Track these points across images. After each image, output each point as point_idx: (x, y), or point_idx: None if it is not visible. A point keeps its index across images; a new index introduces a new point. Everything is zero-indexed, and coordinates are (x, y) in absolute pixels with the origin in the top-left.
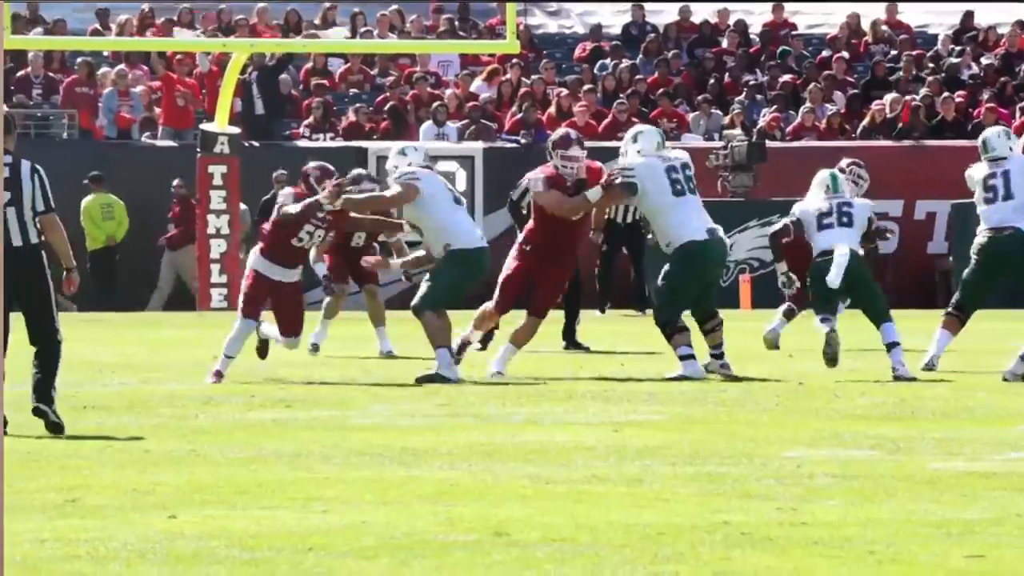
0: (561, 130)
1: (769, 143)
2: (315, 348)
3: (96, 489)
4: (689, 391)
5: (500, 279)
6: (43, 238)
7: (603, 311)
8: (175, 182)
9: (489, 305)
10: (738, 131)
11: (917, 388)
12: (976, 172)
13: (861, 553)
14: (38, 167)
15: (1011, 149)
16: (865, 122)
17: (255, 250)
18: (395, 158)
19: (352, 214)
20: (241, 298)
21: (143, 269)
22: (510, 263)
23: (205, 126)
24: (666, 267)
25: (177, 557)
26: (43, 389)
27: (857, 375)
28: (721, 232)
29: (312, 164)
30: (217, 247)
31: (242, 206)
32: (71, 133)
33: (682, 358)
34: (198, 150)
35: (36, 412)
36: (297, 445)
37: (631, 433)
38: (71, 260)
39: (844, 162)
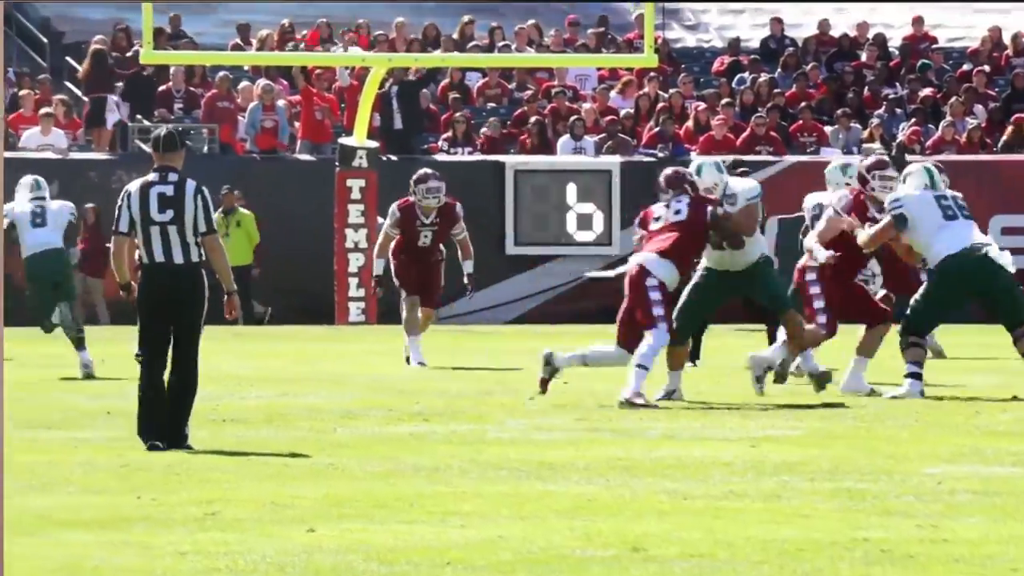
0: (874, 156)
1: (908, 157)
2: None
3: (236, 502)
4: (827, 405)
5: (818, 305)
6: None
7: None
8: None
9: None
10: (877, 145)
11: None
12: None
13: (1003, 571)
14: (203, 188)
15: None
16: (1006, 136)
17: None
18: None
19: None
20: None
21: (274, 284)
22: (817, 289)
23: (344, 140)
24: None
25: (316, 570)
26: (176, 428)
27: (998, 391)
28: (988, 247)
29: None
30: (355, 261)
31: (379, 220)
32: (212, 148)
33: (908, 375)
34: (337, 164)
35: (152, 448)
36: (435, 459)
37: (769, 448)
38: (232, 283)
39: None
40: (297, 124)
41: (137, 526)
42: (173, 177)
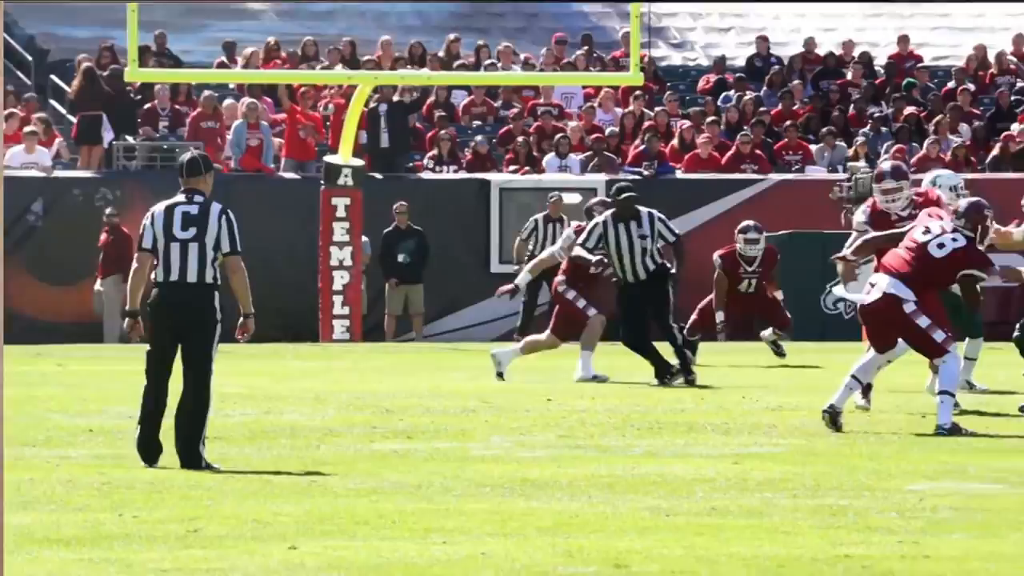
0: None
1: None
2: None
3: (218, 519)
4: (810, 423)
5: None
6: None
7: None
8: None
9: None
10: (862, 163)
11: None
12: None
13: None
14: (228, 211)
15: None
16: (995, 152)
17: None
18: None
19: None
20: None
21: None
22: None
23: (329, 158)
24: None
25: None
26: (192, 448)
27: (981, 407)
28: None
29: None
30: (340, 279)
31: (363, 238)
32: None
33: None
34: (322, 182)
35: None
36: (418, 476)
37: (752, 465)
38: (249, 306)
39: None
40: (282, 142)
41: (118, 543)
42: (199, 199)
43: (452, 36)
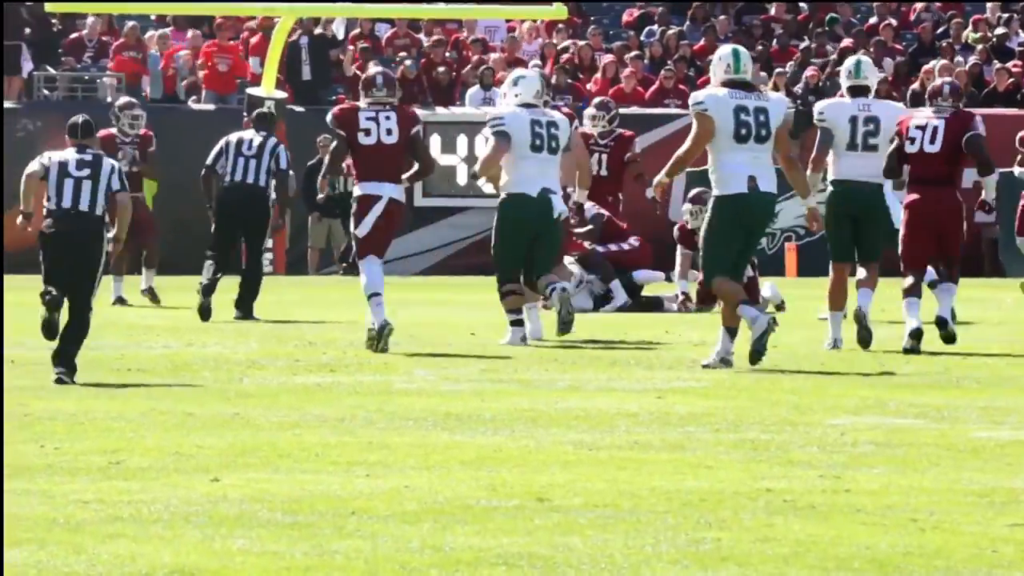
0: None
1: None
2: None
3: (140, 452)
4: (733, 358)
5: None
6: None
7: None
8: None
9: None
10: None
11: (962, 357)
12: None
13: (904, 521)
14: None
15: None
16: (915, 86)
17: None
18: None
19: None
20: None
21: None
22: None
23: (251, 90)
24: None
25: (220, 520)
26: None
27: (900, 343)
28: (551, 193)
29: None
30: None
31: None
32: (117, 97)
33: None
34: (244, 114)
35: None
36: (341, 410)
37: (674, 400)
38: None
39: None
40: (202, 74)
41: (40, 475)
42: (91, 150)
43: None
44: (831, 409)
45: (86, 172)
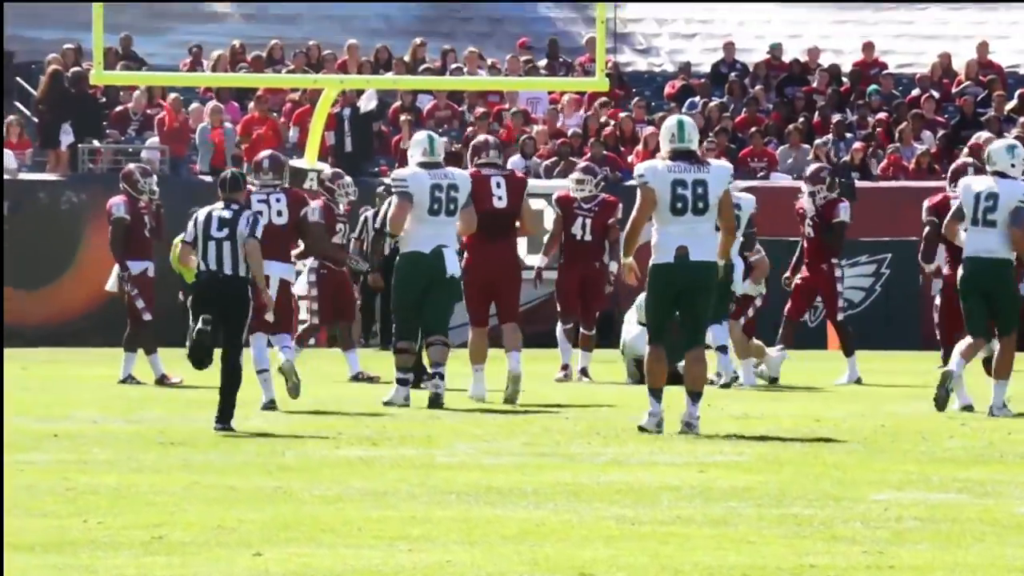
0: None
1: (859, 183)
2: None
3: (182, 526)
4: (775, 431)
5: None
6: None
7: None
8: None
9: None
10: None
11: (1006, 431)
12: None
13: None
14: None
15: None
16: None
17: None
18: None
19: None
20: None
21: None
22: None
23: (294, 162)
24: None
25: None
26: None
27: (943, 418)
28: (444, 248)
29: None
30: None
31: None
32: (163, 169)
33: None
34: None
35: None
36: (383, 483)
37: (717, 474)
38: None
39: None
40: (246, 146)
41: (82, 550)
42: (235, 206)
43: (418, 40)
44: (874, 484)
45: (225, 233)
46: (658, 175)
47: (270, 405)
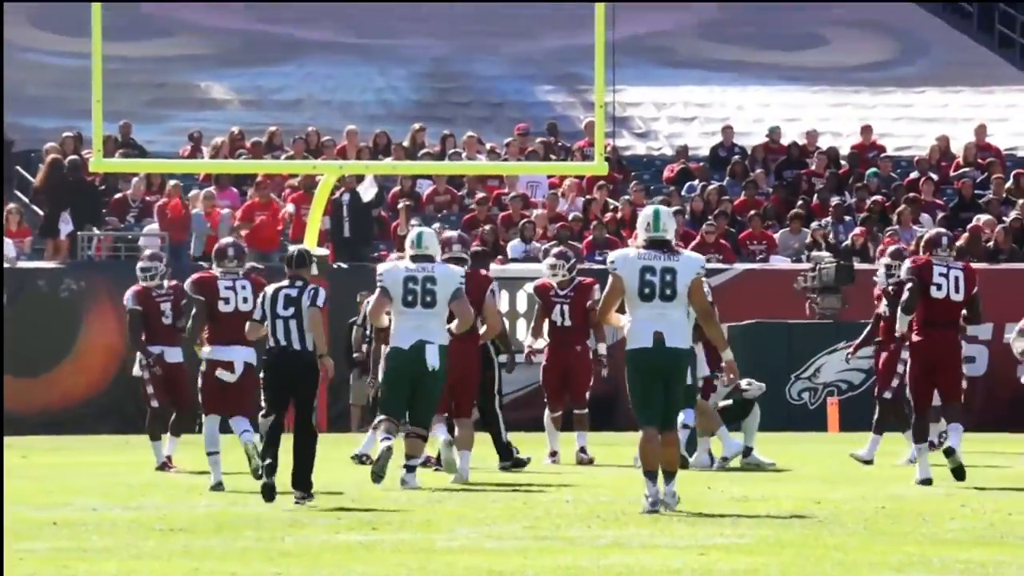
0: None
1: (858, 265)
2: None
3: None
4: (775, 513)
5: None
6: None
7: None
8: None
9: None
10: (826, 253)
11: (1006, 512)
12: None
13: None
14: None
15: None
16: (960, 242)
17: None
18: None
19: None
20: None
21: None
22: None
23: (293, 248)
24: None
25: None
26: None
27: (944, 499)
28: (427, 343)
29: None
30: None
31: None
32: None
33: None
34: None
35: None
36: (384, 568)
37: (718, 556)
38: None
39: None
40: (245, 232)
41: None
42: (300, 283)
43: (417, 125)
44: (876, 566)
45: (291, 311)
46: (628, 262)
47: (218, 487)
